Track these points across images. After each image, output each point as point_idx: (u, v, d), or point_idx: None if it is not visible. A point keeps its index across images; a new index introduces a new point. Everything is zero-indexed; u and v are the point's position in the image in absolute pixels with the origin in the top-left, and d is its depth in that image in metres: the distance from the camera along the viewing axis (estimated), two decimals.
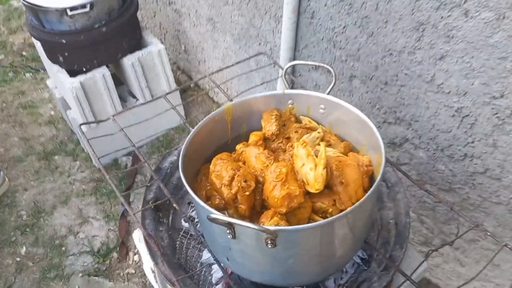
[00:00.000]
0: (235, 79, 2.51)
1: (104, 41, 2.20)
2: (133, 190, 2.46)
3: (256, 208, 0.99)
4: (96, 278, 2.14)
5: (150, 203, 1.19)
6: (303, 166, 0.97)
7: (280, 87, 2.02)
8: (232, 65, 1.48)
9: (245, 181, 0.96)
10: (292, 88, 1.55)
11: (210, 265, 1.19)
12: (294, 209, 0.94)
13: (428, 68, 1.40)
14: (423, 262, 1.12)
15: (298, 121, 1.18)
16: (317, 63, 1.07)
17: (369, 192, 0.91)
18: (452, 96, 1.38)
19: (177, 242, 1.17)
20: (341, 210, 0.99)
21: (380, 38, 1.50)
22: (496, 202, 1.46)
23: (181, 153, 1.04)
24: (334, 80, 1.10)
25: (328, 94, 1.11)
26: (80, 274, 2.15)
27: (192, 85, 3.05)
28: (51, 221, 2.39)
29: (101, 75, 2.27)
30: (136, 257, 2.26)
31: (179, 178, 1.28)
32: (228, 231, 0.87)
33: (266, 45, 2.13)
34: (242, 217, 0.98)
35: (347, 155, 1.09)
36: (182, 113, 2.71)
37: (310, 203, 0.98)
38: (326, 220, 0.86)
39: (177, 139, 2.69)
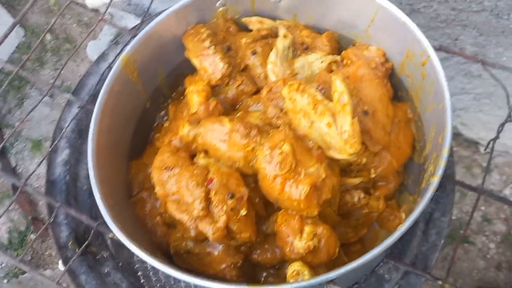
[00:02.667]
0: None
1: None
2: (9, 151, 1.87)
3: (259, 213, 0.59)
4: (27, 275, 1.71)
5: (70, 246, 0.73)
6: (313, 124, 0.55)
7: None
8: None
9: (232, 196, 0.54)
10: None
11: None
12: (328, 201, 0.55)
13: None
14: None
15: (240, 28, 0.70)
16: None
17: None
18: None
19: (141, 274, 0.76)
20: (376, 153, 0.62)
21: None
22: (477, 10, 1.15)
23: (90, 169, 0.57)
24: None
25: None
26: (5, 280, 1.70)
27: None
28: None
29: None
30: None
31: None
32: None
33: None
34: (249, 245, 0.59)
35: (342, 56, 0.68)
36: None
37: (337, 169, 0.59)
38: None
39: (31, 67, 1.98)
